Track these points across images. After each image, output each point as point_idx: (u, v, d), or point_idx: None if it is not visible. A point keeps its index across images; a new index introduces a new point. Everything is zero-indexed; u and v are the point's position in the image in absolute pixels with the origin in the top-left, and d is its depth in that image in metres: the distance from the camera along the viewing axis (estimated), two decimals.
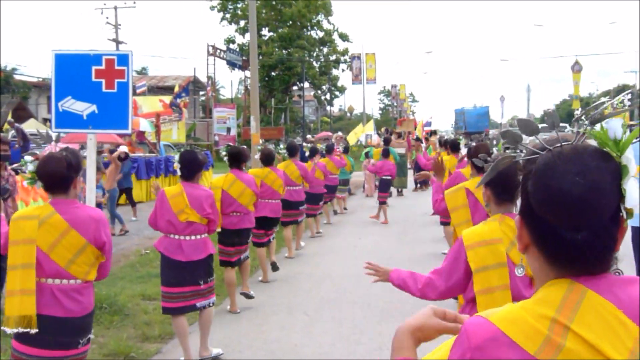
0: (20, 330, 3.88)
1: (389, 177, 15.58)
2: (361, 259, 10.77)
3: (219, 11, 54.10)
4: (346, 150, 17.14)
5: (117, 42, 43.08)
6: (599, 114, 1.38)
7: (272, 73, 53.80)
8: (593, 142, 1.36)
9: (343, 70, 57.63)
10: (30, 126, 26.15)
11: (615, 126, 1.33)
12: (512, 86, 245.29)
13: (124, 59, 8.85)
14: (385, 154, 16.11)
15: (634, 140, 1.32)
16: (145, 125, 24.38)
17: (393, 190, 19.18)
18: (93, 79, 8.09)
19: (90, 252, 3.99)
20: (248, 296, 8.09)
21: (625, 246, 4.80)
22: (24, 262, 3.92)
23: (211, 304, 6.16)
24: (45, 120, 34.93)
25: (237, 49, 50.37)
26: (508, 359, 1.26)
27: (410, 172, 23.20)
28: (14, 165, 7.66)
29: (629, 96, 20.92)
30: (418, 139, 23.45)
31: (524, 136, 1.44)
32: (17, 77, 43.40)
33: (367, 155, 20.96)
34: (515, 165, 3.64)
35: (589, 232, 1.29)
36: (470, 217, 5.93)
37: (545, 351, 1.23)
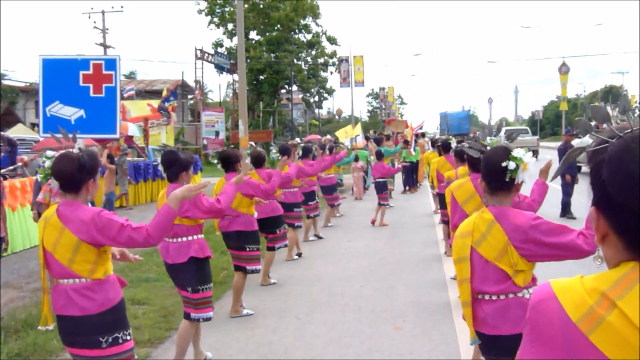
0: (43, 328, 4.08)
1: (382, 180, 15.55)
2: (352, 261, 10.88)
3: (206, 15, 54.09)
4: (331, 151, 17.02)
5: (105, 46, 42.92)
6: None
7: (261, 76, 53.84)
8: None
9: (331, 73, 57.72)
10: (18, 131, 26.03)
11: None
12: (500, 88, 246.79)
13: (111, 64, 8.84)
14: (379, 155, 16.12)
15: None
16: (133, 129, 24.35)
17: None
18: (81, 83, 8.06)
19: (86, 251, 3.90)
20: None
21: None
22: (40, 262, 4.04)
23: (205, 319, 5.94)
24: (34, 125, 34.74)
25: (225, 53, 50.36)
26: (551, 320, 1.31)
27: (399, 174, 23.21)
28: (2, 171, 7.63)
29: None
30: (406, 142, 23.46)
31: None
32: (4, 82, 43.17)
33: (356, 158, 20.97)
34: (502, 155, 3.64)
35: None
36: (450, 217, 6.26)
37: (586, 321, 1.26)
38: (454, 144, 11.94)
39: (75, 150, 4.09)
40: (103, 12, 43.60)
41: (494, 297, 3.49)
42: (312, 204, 12.83)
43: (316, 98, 61.34)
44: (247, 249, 7.80)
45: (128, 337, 4.09)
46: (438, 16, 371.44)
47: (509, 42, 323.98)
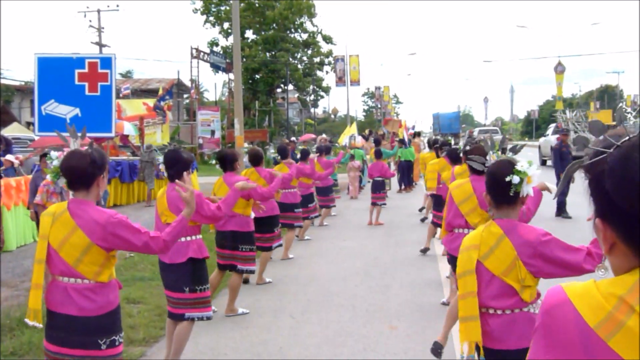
0: (32, 323, 3.98)
1: (381, 179, 15.55)
2: (347, 261, 10.89)
3: (202, 14, 54.07)
4: (327, 150, 17.00)
5: (101, 45, 42.86)
6: None
7: (256, 75, 53.83)
8: None
9: (327, 72, 57.74)
10: (13, 130, 25.99)
11: None
12: (496, 87, 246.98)
13: (107, 62, 8.83)
14: (378, 155, 16.15)
15: None
16: (129, 128, 24.33)
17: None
18: (76, 82, 8.05)
19: (96, 253, 3.89)
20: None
21: None
22: (37, 258, 3.97)
23: (206, 318, 5.96)
24: (29, 124, 34.69)
25: (221, 52, 50.32)
26: (568, 326, 1.30)
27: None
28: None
29: None
30: (401, 141, 23.46)
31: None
32: None
33: (351, 157, 20.97)
34: (506, 169, 3.63)
35: None
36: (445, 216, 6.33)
37: (605, 326, 1.25)
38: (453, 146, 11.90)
39: (73, 146, 4.10)
40: (99, 11, 43.55)
41: (498, 312, 3.48)
42: (312, 206, 12.90)
43: (312, 97, 61.34)
44: (242, 249, 7.81)
45: (121, 340, 4.14)
46: (434, 15, 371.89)
47: (504, 42, 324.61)
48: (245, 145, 10.80)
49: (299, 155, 13.98)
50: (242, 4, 47.08)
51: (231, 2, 24.89)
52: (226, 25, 52.29)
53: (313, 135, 35.09)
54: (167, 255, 5.76)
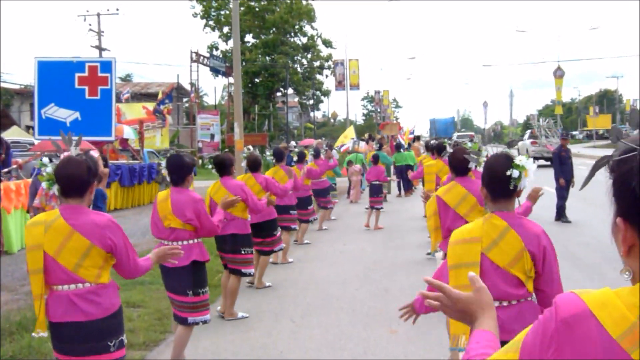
0: (40, 334, 3.97)
1: (378, 182, 15.56)
2: (347, 265, 10.88)
3: (202, 18, 54.09)
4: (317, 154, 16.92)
5: (101, 49, 42.89)
6: None
7: (256, 79, 53.85)
8: None
9: (327, 76, 57.75)
10: (12, 134, 25.99)
11: None
12: (495, 92, 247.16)
13: (107, 66, 8.84)
14: (375, 159, 16.16)
15: None
16: (128, 132, 24.33)
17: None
18: (76, 86, 8.06)
19: (96, 255, 3.88)
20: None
21: None
22: (33, 268, 3.91)
23: (203, 322, 5.98)
24: (28, 128, 34.69)
25: (221, 56, 50.35)
26: (589, 337, 1.27)
27: (393, 177, 23.22)
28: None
29: None
30: (397, 146, 23.50)
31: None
32: None
33: (349, 162, 20.95)
34: (505, 164, 3.67)
35: None
36: (440, 224, 6.07)
37: (629, 338, 1.23)
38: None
39: (73, 153, 4.09)
40: (98, 15, 43.60)
41: (504, 303, 3.51)
42: (310, 209, 12.89)
43: (312, 101, 61.36)
44: (242, 252, 7.83)
45: (126, 340, 4.15)
46: (433, 20, 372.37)
47: (504, 46, 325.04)
48: (245, 149, 10.77)
49: (295, 158, 13.93)
50: (242, 8, 47.12)
51: (231, 6, 24.90)
52: (226, 29, 52.31)
53: (312, 140, 35.09)
54: None
